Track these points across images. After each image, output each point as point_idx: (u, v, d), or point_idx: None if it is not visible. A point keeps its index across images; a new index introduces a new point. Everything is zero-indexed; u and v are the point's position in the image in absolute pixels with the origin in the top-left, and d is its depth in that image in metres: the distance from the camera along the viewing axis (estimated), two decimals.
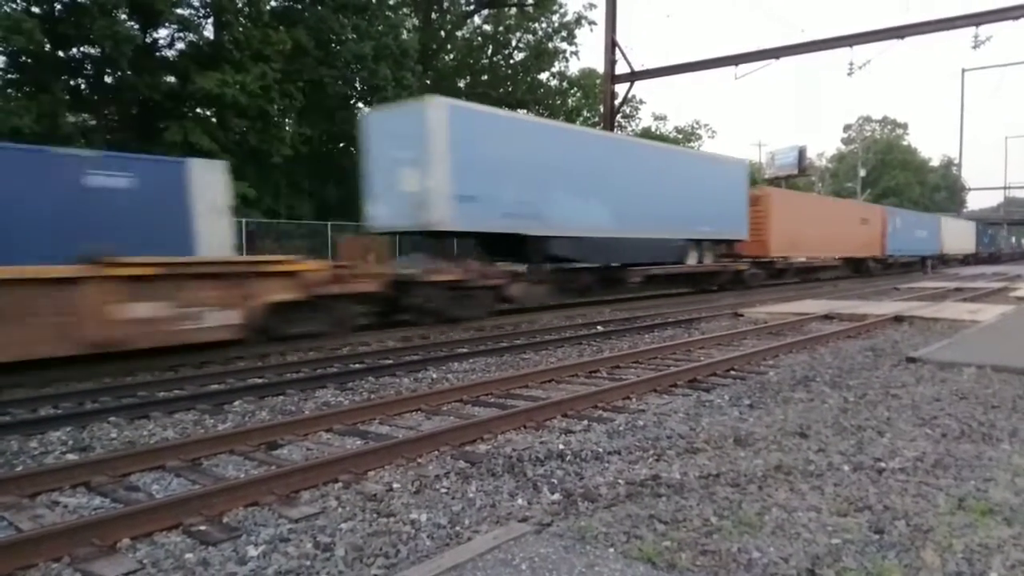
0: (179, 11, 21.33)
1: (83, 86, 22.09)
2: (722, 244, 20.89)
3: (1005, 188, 75.39)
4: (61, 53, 20.53)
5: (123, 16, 19.95)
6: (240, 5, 22.64)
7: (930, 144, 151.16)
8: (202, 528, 3.62)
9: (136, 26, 20.64)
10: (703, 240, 19.44)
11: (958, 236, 45.02)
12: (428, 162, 12.18)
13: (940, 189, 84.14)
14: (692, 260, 19.11)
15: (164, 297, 8.18)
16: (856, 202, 36.87)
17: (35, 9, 18.91)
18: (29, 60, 19.56)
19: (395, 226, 13.52)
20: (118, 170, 8.85)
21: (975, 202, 78.26)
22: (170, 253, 8.77)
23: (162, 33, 22.33)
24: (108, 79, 21.87)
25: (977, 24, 20.99)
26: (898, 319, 12.47)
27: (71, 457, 5.07)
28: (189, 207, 9.87)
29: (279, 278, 9.43)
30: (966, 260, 46.00)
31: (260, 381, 7.63)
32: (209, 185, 10.38)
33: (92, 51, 20.79)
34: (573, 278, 15.61)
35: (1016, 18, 20.22)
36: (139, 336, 8.03)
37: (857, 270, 30.23)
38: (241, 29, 22.17)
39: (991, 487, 3.88)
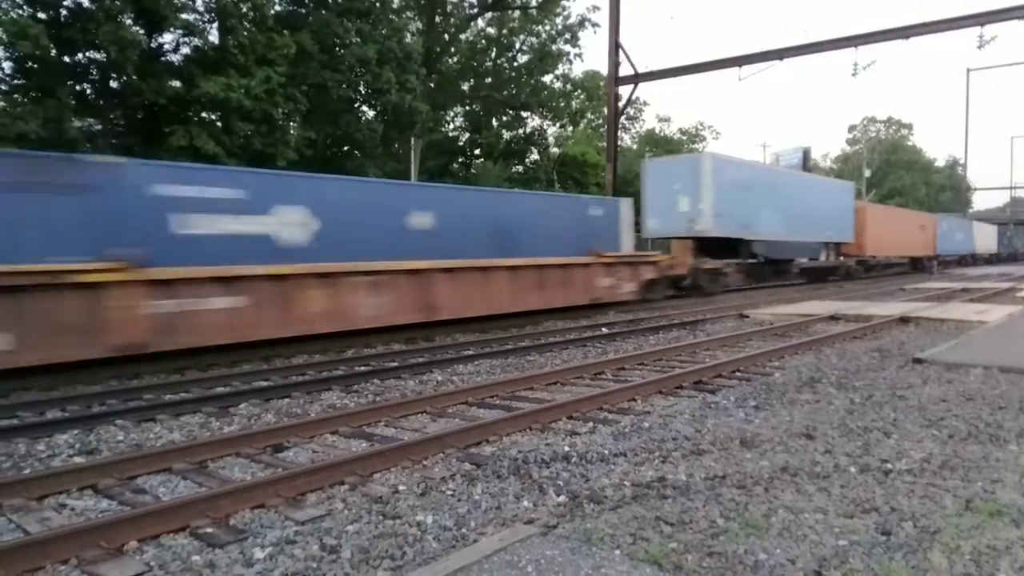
0: (184, 16, 21.40)
1: (89, 91, 22.18)
2: (838, 246, 27.31)
3: (1011, 188, 75.12)
4: (67, 58, 20.62)
5: (128, 21, 20.03)
6: (244, 10, 22.70)
7: (935, 144, 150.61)
8: (209, 530, 3.63)
9: (141, 31, 20.72)
10: (828, 242, 26.27)
11: (985, 238, 50.96)
12: (700, 192, 19.17)
13: (945, 189, 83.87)
14: (822, 257, 26.13)
15: (615, 275, 15.30)
16: (917, 212, 43.56)
17: (41, 14, 18.99)
18: (35, 65, 19.65)
19: (669, 233, 20.37)
20: (599, 206, 15.92)
21: (980, 202, 78.04)
22: (611, 251, 15.34)
23: (167, 38, 22.41)
24: (114, 84, 21.95)
25: (982, 24, 20.91)
26: (904, 320, 12.43)
27: (78, 460, 5.09)
28: (619, 225, 16.12)
29: (650, 265, 16.72)
30: (990, 259, 51.91)
31: (266, 384, 7.65)
32: (626, 212, 16.50)
33: (98, 56, 20.88)
34: (761, 268, 21.89)
35: (1021, 17, 20.14)
36: (605, 295, 14.99)
37: (915, 267, 37.01)
38: (245, 33, 22.22)
39: (998, 488, 3.87)
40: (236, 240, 9.18)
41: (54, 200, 7.73)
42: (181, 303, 8.44)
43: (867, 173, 67.28)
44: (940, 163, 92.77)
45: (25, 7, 18.89)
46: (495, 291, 12.55)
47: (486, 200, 14.06)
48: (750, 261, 21.07)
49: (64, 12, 19.61)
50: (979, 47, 21.58)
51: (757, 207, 21.04)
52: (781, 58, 23.37)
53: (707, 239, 19.58)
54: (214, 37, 22.93)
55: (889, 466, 4.30)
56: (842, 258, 27.82)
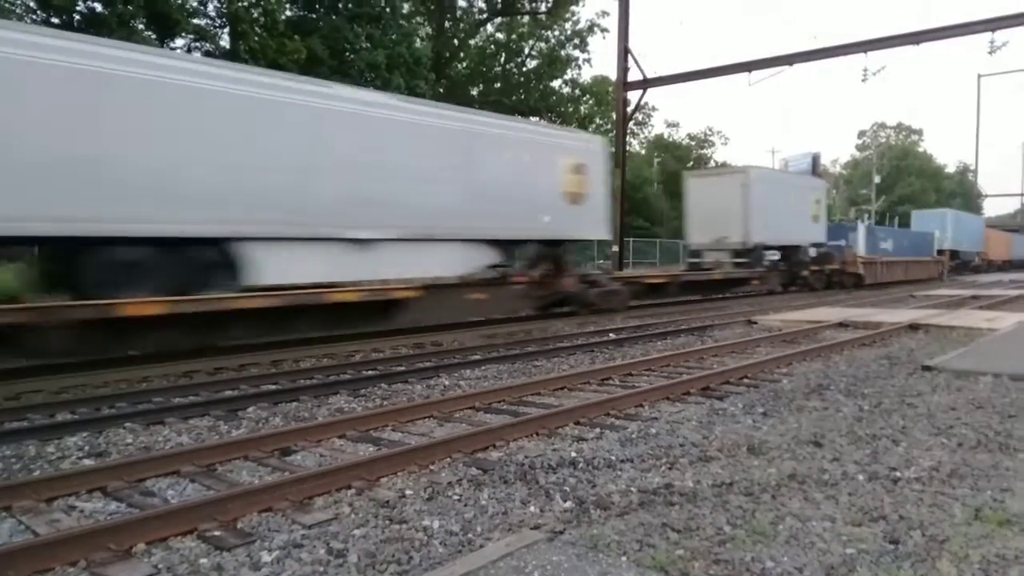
0: (196, 21, 21.59)
1: None
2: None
3: (1023, 195, 74.70)
4: None
5: (141, 26, 20.21)
6: (256, 15, 22.86)
7: (946, 150, 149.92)
8: (216, 533, 3.64)
9: (154, 36, 20.90)
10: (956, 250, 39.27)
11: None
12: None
13: (956, 196, 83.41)
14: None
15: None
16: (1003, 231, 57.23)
17: (55, 19, 19.19)
18: None
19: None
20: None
21: (991, 209, 77.65)
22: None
23: (179, 43, 22.59)
24: None
25: (993, 29, 20.83)
26: (913, 327, 12.36)
27: (88, 462, 5.12)
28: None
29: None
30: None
31: (274, 387, 7.68)
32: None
33: None
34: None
35: None
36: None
37: (1000, 268, 49.91)
38: (256, 39, 22.38)
39: (1008, 497, 3.85)
40: None
41: None
42: None
43: (876, 179, 67.04)
44: (950, 169, 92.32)
45: (39, 12, 19.09)
46: None
47: None
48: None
49: (77, 17, 19.80)
50: (990, 52, 21.53)
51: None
52: (791, 63, 23.35)
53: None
54: (225, 42, 23.11)
55: (898, 474, 4.28)
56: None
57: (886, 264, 29.44)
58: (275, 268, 9.75)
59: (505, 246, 13.08)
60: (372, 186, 10.70)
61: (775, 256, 22.64)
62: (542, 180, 13.60)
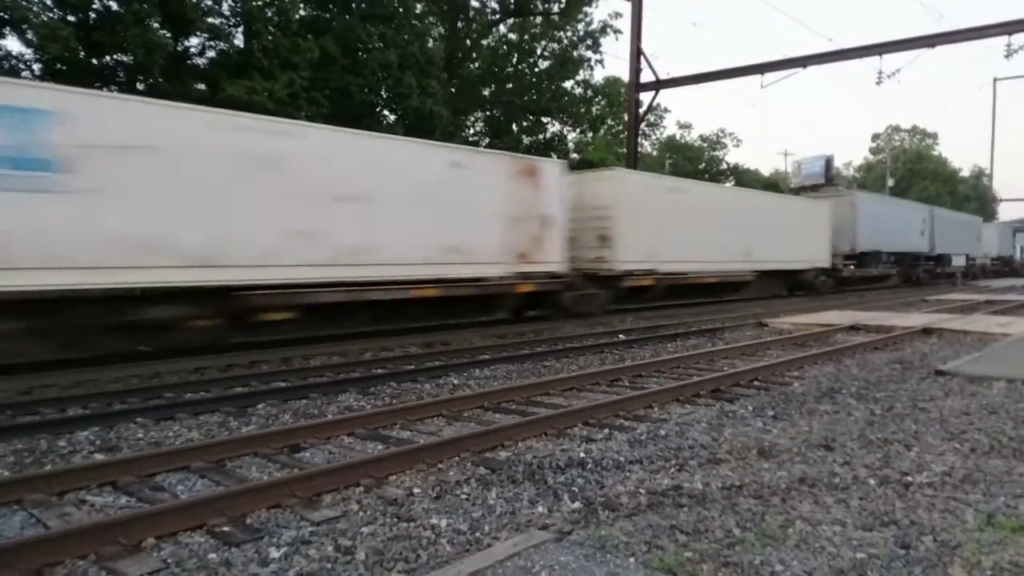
0: (210, 20, 21.69)
1: (116, 93, 22.53)
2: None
3: None
4: (95, 60, 20.97)
5: (156, 24, 20.32)
6: (270, 15, 22.94)
7: (961, 154, 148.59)
8: (225, 529, 3.66)
9: (168, 34, 21.02)
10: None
11: None
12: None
13: (971, 200, 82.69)
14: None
15: None
16: None
17: (71, 17, 19.32)
18: (64, 67, 19.99)
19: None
20: None
21: (1006, 213, 76.88)
22: None
23: (193, 41, 22.70)
24: (140, 86, 22.26)
25: (1010, 32, 20.63)
26: (926, 331, 12.26)
27: (98, 457, 5.16)
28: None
29: None
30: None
31: (283, 385, 7.71)
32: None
33: (125, 59, 21.20)
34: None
35: None
36: None
37: None
38: (270, 38, 22.45)
39: (1022, 504, 3.80)
40: None
41: None
42: None
43: (890, 182, 66.55)
44: (965, 173, 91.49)
45: (55, 10, 19.23)
46: None
47: None
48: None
49: (93, 15, 19.94)
50: (1007, 56, 21.30)
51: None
52: (804, 66, 23.21)
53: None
54: (239, 41, 23.21)
55: (909, 479, 4.24)
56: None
57: None
58: None
59: None
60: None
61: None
62: None
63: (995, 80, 58.03)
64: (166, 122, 8.56)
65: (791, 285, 23.55)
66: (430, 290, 11.43)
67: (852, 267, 26.37)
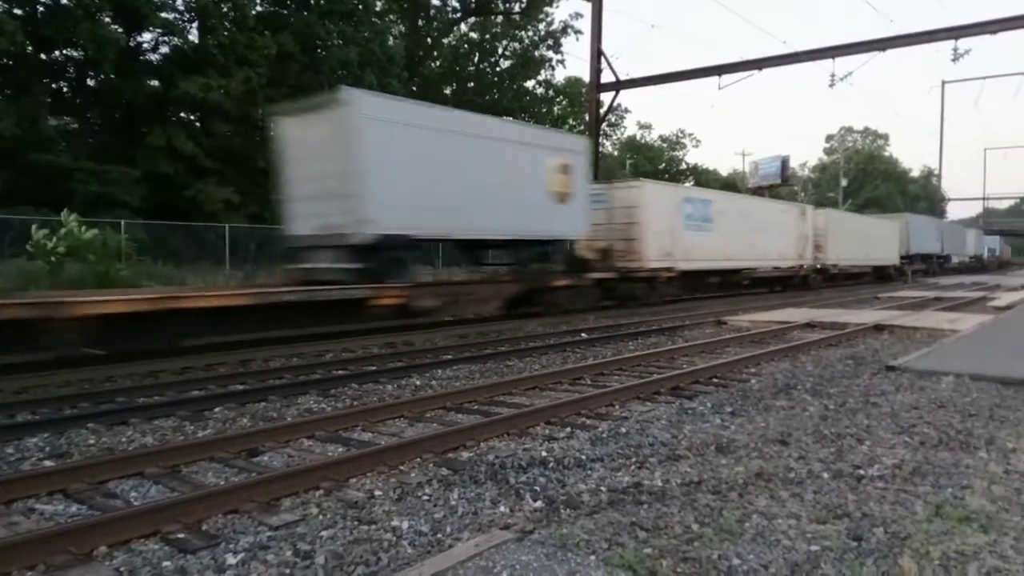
0: (164, 15, 21.22)
1: (65, 89, 21.91)
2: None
3: (984, 199, 76.50)
4: (43, 55, 20.35)
5: (107, 19, 19.81)
6: (225, 10, 22.54)
7: (911, 155, 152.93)
8: (180, 536, 3.58)
9: (120, 29, 20.51)
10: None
11: (999, 247, 71.97)
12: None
13: (920, 199, 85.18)
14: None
15: None
16: None
17: (17, 10, 18.72)
18: (10, 62, 19.38)
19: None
20: None
21: (954, 212, 79.42)
22: None
23: (146, 37, 22.22)
24: (91, 82, 21.71)
25: (956, 37, 21.34)
26: (878, 328, 12.60)
27: (48, 463, 5.00)
28: None
29: None
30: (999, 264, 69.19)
31: (241, 387, 7.58)
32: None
33: (75, 54, 20.64)
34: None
35: (993, 32, 20.59)
36: None
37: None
38: (226, 33, 22.07)
39: (968, 494, 3.93)
40: None
41: None
42: None
43: (844, 182, 68.17)
44: (915, 173, 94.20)
45: (1, 3, 18.61)
46: None
47: None
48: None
49: (41, 9, 19.35)
50: (954, 60, 22.05)
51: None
52: (760, 68, 23.68)
53: None
54: (194, 37, 22.75)
55: (861, 472, 4.35)
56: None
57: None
58: None
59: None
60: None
61: None
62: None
63: (943, 83, 59.86)
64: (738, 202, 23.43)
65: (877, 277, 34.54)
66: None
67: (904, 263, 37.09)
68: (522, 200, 13.61)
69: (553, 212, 14.39)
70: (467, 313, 13.50)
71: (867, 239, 32.28)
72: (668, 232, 18.44)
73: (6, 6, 18.57)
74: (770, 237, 23.77)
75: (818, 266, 27.36)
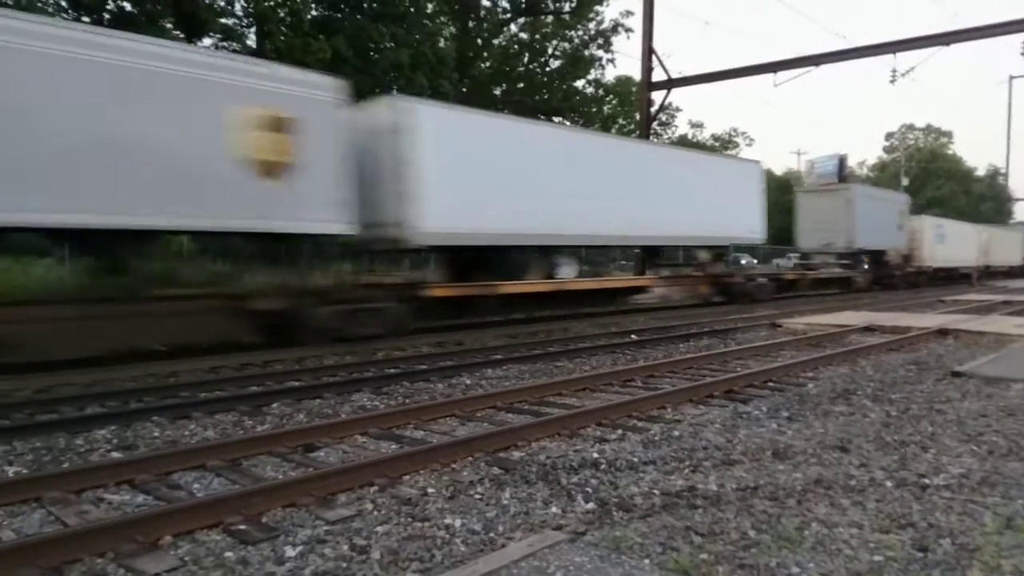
0: (223, 21, 21.83)
1: None
2: None
3: None
4: None
5: (169, 25, 20.47)
6: (282, 15, 23.06)
7: (976, 153, 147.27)
8: (242, 527, 3.68)
9: (182, 35, 21.16)
10: None
11: None
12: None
13: (986, 199, 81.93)
14: None
15: None
16: None
17: (85, 18, 19.50)
18: None
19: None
20: None
21: (1022, 212, 76.10)
22: None
23: (206, 42, 22.85)
24: None
25: None
26: (942, 332, 12.16)
27: (116, 455, 5.20)
28: None
29: None
30: None
31: (297, 384, 7.75)
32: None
33: None
34: None
35: None
36: None
37: None
38: (283, 38, 22.57)
39: None
40: None
41: None
42: None
43: (905, 181, 66.05)
44: (980, 172, 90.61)
45: (70, 11, 19.41)
46: None
47: None
48: None
49: (107, 16, 20.11)
50: (1023, 53, 21.08)
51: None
52: (817, 64, 23.08)
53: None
54: (252, 41, 23.33)
55: (926, 481, 4.21)
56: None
57: None
58: None
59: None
60: None
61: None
62: None
63: (1011, 78, 57.53)
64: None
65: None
66: None
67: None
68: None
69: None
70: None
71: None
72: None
73: (75, 14, 19.37)
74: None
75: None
